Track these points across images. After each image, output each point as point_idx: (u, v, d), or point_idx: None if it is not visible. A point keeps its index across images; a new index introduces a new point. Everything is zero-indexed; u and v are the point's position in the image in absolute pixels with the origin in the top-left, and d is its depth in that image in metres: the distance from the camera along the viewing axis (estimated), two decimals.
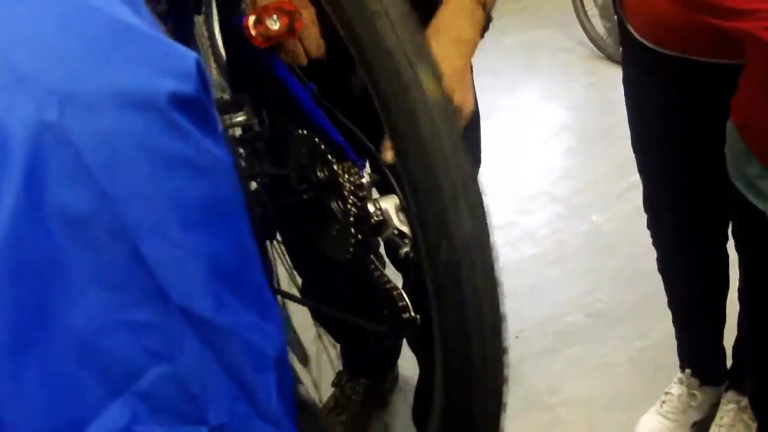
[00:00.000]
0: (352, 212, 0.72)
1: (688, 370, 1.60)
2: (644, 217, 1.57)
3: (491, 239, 0.55)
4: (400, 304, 0.73)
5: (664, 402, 1.62)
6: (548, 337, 1.92)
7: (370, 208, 0.71)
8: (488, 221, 0.55)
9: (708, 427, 1.57)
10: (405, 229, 0.69)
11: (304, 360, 1.02)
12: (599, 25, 3.19)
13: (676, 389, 1.61)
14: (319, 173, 0.76)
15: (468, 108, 0.95)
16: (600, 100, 3.01)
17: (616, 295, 2.01)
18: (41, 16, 0.35)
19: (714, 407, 1.59)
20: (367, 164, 0.81)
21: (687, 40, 1.13)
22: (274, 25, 0.82)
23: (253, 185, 0.89)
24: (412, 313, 0.73)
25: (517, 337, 1.91)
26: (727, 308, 1.49)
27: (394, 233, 0.70)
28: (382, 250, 0.77)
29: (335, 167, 0.74)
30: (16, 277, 0.32)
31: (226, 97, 0.94)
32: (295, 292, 1.06)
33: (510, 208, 2.38)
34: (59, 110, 0.33)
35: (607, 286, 2.05)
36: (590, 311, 1.98)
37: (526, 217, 2.37)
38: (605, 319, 1.95)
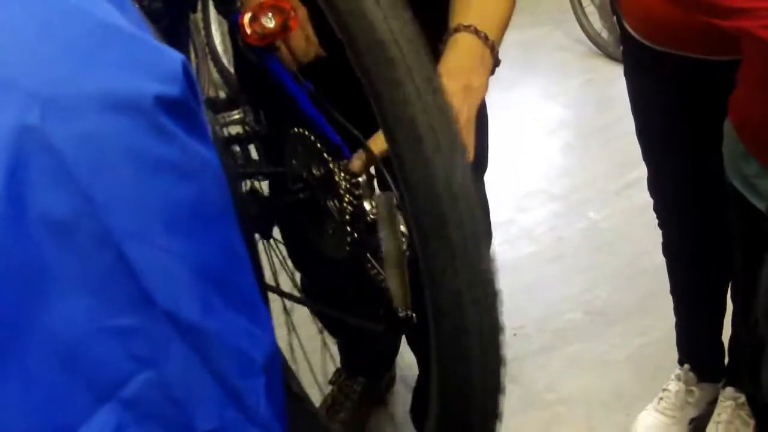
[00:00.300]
0: (348, 211, 0.72)
1: (686, 366, 1.60)
2: (642, 214, 1.57)
3: (490, 246, 0.55)
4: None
5: (661, 399, 1.62)
6: (547, 335, 1.92)
7: (366, 206, 0.71)
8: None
9: (705, 424, 1.58)
10: (401, 227, 0.69)
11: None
12: (597, 23, 3.19)
13: (673, 386, 1.62)
14: (315, 172, 0.76)
15: (470, 155, 0.94)
16: (598, 97, 3.00)
17: (614, 292, 2.01)
18: (23, 18, 0.34)
19: (711, 404, 1.59)
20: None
21: (680, 37, 1.14)
22: (269, 23, 0.82)
23: (249, 184, 0.89)
24: (409, 312, 0.73)
25: (515, 334, 1.91)
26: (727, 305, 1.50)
27: None
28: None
29: (331, 166, 0.74)
30: None
31: (223, 95, 0.94)
32: (294, 291, 1.06)
33: (508, 205, 2.38)
34: (41, 114, 0.33)
35: (606, 283, 2.05)
36: (589, 309, 1.98)
37: (524, 214, 2.37)
38: (604, 317, 1.95)
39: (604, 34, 3.14)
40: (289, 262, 1.07)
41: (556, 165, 2.63)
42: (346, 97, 0.75)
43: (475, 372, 0.55)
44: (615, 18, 1.33)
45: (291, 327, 1.05)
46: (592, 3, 3.19)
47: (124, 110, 0.34)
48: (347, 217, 0.72)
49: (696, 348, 1.61)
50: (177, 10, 0.95)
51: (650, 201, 1.49)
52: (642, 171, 1.46)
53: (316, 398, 1.43)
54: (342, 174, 0.73)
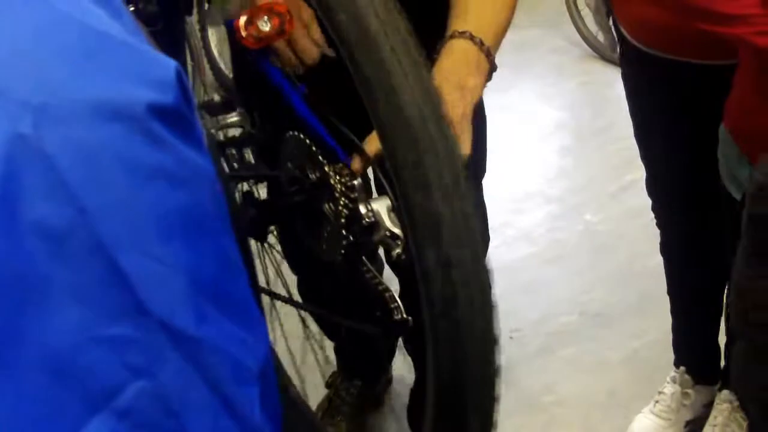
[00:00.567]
0: (343, 214, 0.72)
1: (682, 368, 1.60)
2: (639, 216, 1.58)
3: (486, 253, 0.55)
4: (392, 305, 0.73)
5: (657, 401, 1.62)
6: (543, 337, 1.92)
7: (362, 209, 0.71)
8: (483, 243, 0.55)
9: (701, 426, 1.58)
10: (396, 230, 0.69)
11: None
12: (593, 25, 3.19)
13: (669, 388, 1.62)
14: (310, 175, 0.76)
15: (466, 153, 0.94)
16: (594, 99, 3.01)
17: (611, 294, 2.02)
18: (13, 26, 0.34)
19: (707, 407, 1.60)
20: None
21: (675, 43, 1.15)
22: (265, 26, 0.82)
23: (245, 187, 0.89)
24: (404, 315, 0.73)
25: (511, 337, 1.91)
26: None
27: (386, 235, 0.70)
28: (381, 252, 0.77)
29: (326, 169, 0.74)
30: None
31: (218, 98, 0.94)
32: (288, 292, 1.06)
33: (504, 208, 2.38)
34: (33, 123, 0.33)
35: (602, 285, 2.05)
36: (585, 311, 1.98)
37: (521, 216, 2.37)
38: (600, 319, 1.95)
39: (600, 37, 3.15)
40: (285, 266, 1.06)
41: (552, 167, 2.63)
42: (350, 99, 0.75)
43: (470, 374, 0.55)
44: (611, 21, 1.33)
45: (283, 330, 1.05)
46: (587, 6, 3.20)
47: (116, 118, 0.34)
48: (343, 220, 0.72)
49: (692, 349, 1.62)
50: (172, 13, 0.95)
51: (646, 204, 1.50)
52: (638, 173, 1.46)
53: (312, 402, 1.43)
54: (338, 177, 0.73)
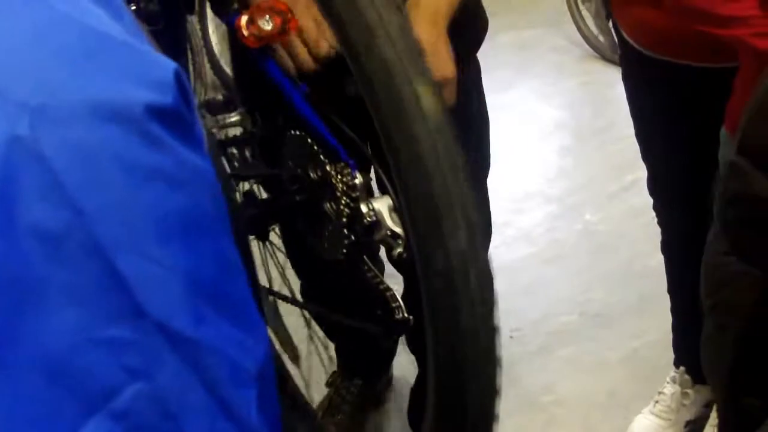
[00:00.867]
0: (344, 213, 0.72)
1: (682, 368, 1.60)
2: (639, 216, 1.58)
3: (487, 252, 0.54)
4: (393, 305, 0.73)
5: (657, 401, 1.62)
6: (543, 337, 1.92)
7: (363, 209, 0.71)
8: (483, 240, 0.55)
9: (701, 426, 1.58)
10: (398, 229, 0.69)
11: (295, 359, 1.02)
12: (593, 25, 3.19)
13: (669, 388, 1.62)
14: (312, 174, 0.76)
15: (449, 75, 0.94)
16: (594, 99, 3.01)
17: (610, 294, 2.02)
18: (12, 27, 0.34)
19: (707, 407, 1.59)
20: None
21: (675, 46, 1.15)
22: (267, 25, 0.82)
23: (246, 186, 0.89)
24: (405, 314, 0.73)
25: (511, 336, 1.91)
26: None
27: (387, 234, 0.70)
28: (381, 253, 0.77)
29: (328, 168, 0.74)
30: None
31: (219, 97, 0.94)
32: (290, 291, 1.06)
33: (504, 207, 2.38)
34: (31, 124, 0.32)
35: (602, 285, 2.05)
36: (585, 311, 1.98)
37: (521, 216, 2.37)
38: (600, 319, 1.95)
39: (601, 37, 3.15)
40: (288, 266, 1.07)
41: (552, 167, 2.63)
42: (351, 99, 0.75)
43: (471, 374, 0.55)
44: (611, 24, 1.33)
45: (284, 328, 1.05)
46: (587, 9, 3.20)
47: (114, 119, 0.34)
48: (344, 219, 0.72)
49: (692, 350, 1.61)
50: (173, 12, 0.95)
51: (646, 204, 1.49)
52: (638, 173, 1.46)
53: (313, 400, 1.43)
54: (339, 176, 0.73)
